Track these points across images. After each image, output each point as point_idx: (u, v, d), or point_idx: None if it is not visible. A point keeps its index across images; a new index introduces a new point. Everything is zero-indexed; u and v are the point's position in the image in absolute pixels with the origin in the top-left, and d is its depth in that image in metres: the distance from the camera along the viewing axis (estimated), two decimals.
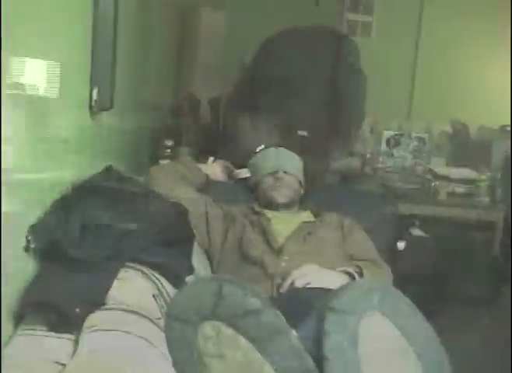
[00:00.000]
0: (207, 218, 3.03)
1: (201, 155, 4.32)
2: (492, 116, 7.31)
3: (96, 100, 2.67)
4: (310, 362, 1.08)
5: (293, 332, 1.09)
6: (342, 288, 1.11)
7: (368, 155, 5.90)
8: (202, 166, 3.45)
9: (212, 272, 2.89)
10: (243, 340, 1.06)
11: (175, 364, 1.12)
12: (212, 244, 2.99)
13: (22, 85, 1.91)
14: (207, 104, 6.11)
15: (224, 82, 7.04)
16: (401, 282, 4.08)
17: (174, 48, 6.57)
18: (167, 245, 2.23)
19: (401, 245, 4.36)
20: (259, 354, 1.06)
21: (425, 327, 1.15)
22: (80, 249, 2.04)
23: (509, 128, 6.72)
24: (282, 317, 1.09)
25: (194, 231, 2.93)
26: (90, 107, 2.68)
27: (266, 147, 3.36)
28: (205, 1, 6.87)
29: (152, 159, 4.43)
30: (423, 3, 7.87)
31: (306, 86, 4.19)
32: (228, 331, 1.06)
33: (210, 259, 2.98)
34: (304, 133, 3.59)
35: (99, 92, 2.68)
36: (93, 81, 2.65)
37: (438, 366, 1.14)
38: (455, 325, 4.44)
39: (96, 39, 2.61)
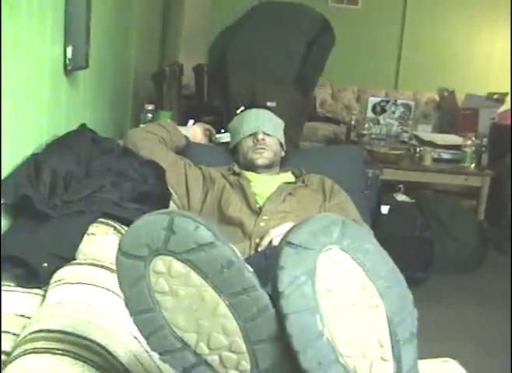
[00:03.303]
0: (186, 180, 2.99)
1: (183, 119, 4.30)
2: (480, 84, 7.29)
3: (70, 59, 2.61)
4: (265, 298, 1.04)
5: (248, 267, 1.05)
6: (300, 222, 1.07)
7: (353, 122, 5.87)
8: (182, 129, 3.41)
9: None
10: (195, 276, 1.02)
11: (127, 301, 1.08)
12: (192, 206, 2.95)
13: None
14: (191, 71, 6.08)
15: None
16: (385, 246, 4.09)
17: (161, 15, 6.51)
18: (140, 201, 2.19)
19: (385, 208, 4.35)
20: (213, 291, 1.02)
21: (387, 264, 1.11)
22: (50, 205, 2.01)
23: (496, 96, 6.71)
24: (237, 252, 1.06)
25: (173, 193, 2.91)
26: (64, 66, 2.62)
27: (246, 108, 3.31)
28: None
29: (134, 123, 4.40)
30: None
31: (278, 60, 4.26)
32: (180, 266, 1.03)
33: None
34: (273, 104, 3.61)
35: (73, 50, 2.63)
36: (67, 40, 2.60)
37: (401, 305, 1.10)
38: (440, 291, 4.44)
39: None
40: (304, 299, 1.00)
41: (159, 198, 2.40)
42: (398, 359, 1.09)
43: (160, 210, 1.05)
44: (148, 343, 1.10)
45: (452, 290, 4.50)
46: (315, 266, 1.02)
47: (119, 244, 1.06)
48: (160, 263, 1.02)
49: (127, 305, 1.08)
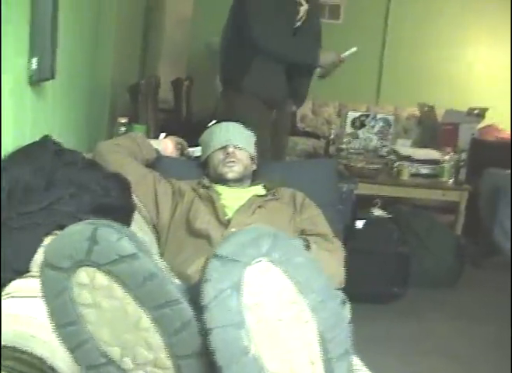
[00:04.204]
0: (155, 193, 2.96)
1: (159, 133, 4.27)
2: (460, 100, 7.30)
3: (35, 69, 2.59)
4: (189, 311, 1.01)
5: (173, 280, 1.02)
6: (230, 234, 1.04)
7: (332, 136, 5.86)
8: (153, 142, 3.38)
9: (160, 248, 2.85)
10: (118, 289, 1.00)
11: (50, 314, 1.06)
12: (161, 220, 2.93)
13: None
14: (170, 85, 6.07)
15: (189, 65, 7.00)
16: (360, 261, 4.08)
17: (141, 28, 6.50)
18: (100, 214, 2.15)
19: (360, 223, 4.32)
20: (136, 304, 1.00)
21: (320, 279, 1.08)
22: (5, 216, 1.98)
23: (476, 111, 6.72)
24: (161, 265, 1.03)
25: (143, 206, 2.89)
26: (30, 77, 2.60)
27: (217, 122, 3.29)
28: None
29: (110, 136, 4.37)
30: None
31: None
32: (103, 278, 1.00)
33: (158, 235, 2.92)
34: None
35: (39, 61, 2.60)
36: (32, 50, 2.57)
37: (334, 321, 1.07)
38: (416, 306, 4.42)
39: (34, 5, 2.54)
40: (229, 313, 0.97)
41: (121, 211, 2.37)
42: None
43: (86, 221, 1.02)
44: (73, 358, 1.07)
45: (429, 305, 4.48)
46: (242, 279, 0.99)
47: (43, 254, 1.04)
48: (83, 275, 1.00)
49: (50, 317, 1.05)
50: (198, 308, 1.01)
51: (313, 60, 4.13)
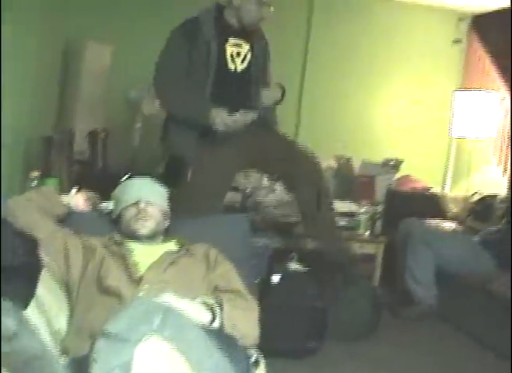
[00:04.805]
0: (65, 251, 2.91)
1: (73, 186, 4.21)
2: (376, 152, 7.40)
3: None
4: None
5: (60, 360, 0.98)
6: (121, 310, 1.01)
7: (248, 190, 5.86)
8: (64, 197, 3.32)
9: (71, 306, 2.79)
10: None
11: None
12: (71, 276, 2.87)
13: None
14: (85, 137, 6.01)
15: (106, 116, 6.93)
16: (276, 316, 4.04)
17: (57, 80, 6.43)
18: (4, 273, 2.10)
19: (275, 278, 4.29)
20: None
21: (213, 355, 1.05)
22: None
23: (392, 162, 6.82)
24: (43, 341, 0.99)
25: (53, 263, 2.83)
26: None
27: (130, 177, 3.25)
28: (90, 35, 6.77)
29: (21, 190, 4.29)
30: (310, 33, 7.90)
31: None
32: None
33: (69, 292, 2.86)
34: None
35: None
36: None
37: None
38: (333, 359, 4.38)
39: None
40: None
41: (26, 270, 2.32)
42: None
43: None
44: None
45: (346, 358, 4.44)
46: (131, 358, 0.96)
47: None
48: None
49: None
50: None
51: (204, 120, 4.10)
